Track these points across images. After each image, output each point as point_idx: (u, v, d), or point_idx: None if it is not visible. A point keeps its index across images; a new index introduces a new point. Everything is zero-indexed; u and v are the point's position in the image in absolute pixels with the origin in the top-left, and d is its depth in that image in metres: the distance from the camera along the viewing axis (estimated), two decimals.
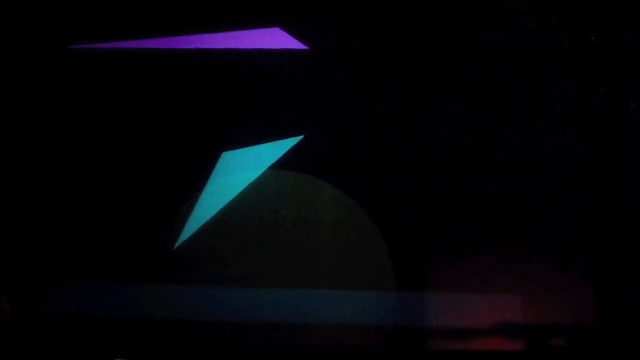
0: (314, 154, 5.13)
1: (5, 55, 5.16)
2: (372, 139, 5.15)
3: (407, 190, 5.12)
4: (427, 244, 5.09)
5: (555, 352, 4.93)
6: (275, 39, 5.14)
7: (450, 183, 5.13)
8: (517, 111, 5.15)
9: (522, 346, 4.94)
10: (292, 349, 4.98)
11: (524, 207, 5.10)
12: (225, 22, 5.17)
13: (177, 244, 5.07)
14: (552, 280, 5.01)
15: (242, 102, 5.17)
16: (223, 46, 5.15)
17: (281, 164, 5.13)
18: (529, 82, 5.17)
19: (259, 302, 5.02)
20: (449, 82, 5.17)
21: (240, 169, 5.12)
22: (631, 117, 5.06)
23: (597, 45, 5.07)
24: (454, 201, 5.12)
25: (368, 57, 5.17)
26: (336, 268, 5.06)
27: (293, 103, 5.17)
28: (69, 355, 4.91)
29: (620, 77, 5.06)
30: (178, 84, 5.16)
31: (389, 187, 5.11)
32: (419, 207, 5.12)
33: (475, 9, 5.21)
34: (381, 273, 5.06)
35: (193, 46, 5.13)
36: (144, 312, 5.00)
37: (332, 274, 5.05)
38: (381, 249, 5.07)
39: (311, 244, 5.07)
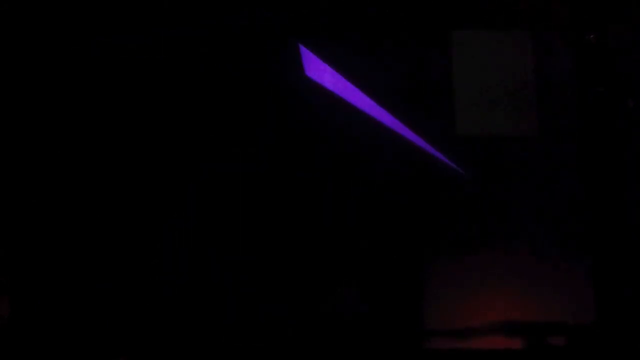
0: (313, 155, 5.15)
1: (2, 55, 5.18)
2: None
3: (407, 189, 5.13)
4: (427, 243, 5.10)
5: (554, 350, 4.93)
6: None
7: (451, 182, 5.14)
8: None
9: (522, 345, 4.94)
10: (291, 348, 4.98)
11: (523, 206, 5.11)
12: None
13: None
14: (551, 278, 5.02)
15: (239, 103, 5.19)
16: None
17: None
18: None
19: (257, 302, 5.03)
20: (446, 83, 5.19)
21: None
22: (630, 115, 5.06)
23: (595, 44, 5.08)
24: (454, 200, 5.13)
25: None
26: (336, 267, 5.06)
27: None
28: (68, 356, 4.92)
29: (619, 75, 5.07)
30: (174, 86, 5.18)
31: (391, 186, 5.12)
32: (419, 207, 5.13)
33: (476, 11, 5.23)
34: (380, 272, 5.06)
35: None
36: (144, 312, 5.00)
37: (332, 272, 5.06)
38: (380, 248, 5.08)
39: (310, 243, 5.08)
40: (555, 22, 5.18)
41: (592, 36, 5.04)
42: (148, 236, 5.07)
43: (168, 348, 4.96)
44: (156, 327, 4.97)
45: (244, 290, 5.01)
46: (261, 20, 5.04)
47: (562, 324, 4.94)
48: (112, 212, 5.09)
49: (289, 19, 5.07)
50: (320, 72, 5.10)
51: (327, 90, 5.10)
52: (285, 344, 4.96)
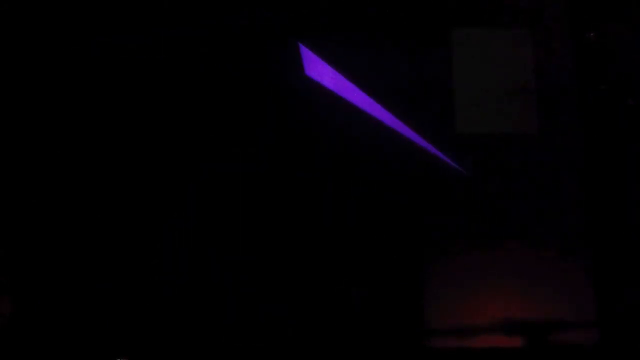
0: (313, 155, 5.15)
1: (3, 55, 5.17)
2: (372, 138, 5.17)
3: (408, 189, 5.13)
4: (427, 242, 5.10)
5: (554, 349, 4.93)
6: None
7: (451, 182, 5.14)
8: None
9: (522, 343, 4.95)
10: (292, 348, 4.99)
11: (523, 205, 5.11)
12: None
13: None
14: (551, 278, 5.02)
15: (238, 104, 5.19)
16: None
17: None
18: None
19: (257, 302, 5.03)
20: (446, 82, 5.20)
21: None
22: (630, 115, 5.07)
23: (595, 43, 5.08)
24: (454, 200, 5.13)
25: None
26: (335, 267, 5.07)
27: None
28: (68, 355, 4.92)
29: (619, 75, 5.07)
30: (174, 86, 5.17)
31: (391, 186, 5.12)
32: (420, 206, 5.13)
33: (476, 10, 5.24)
34: (380, 272, 5.07)
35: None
36: (144, 312, 5.01)
37: (332, 272, 5.06)
38: (380, 248, 5.08)
39: (310, 243, 5.08)
40: (555, 22, 5.19)
41: (592, 35, 5.05)
42: (148, 236, 5.06)
43: (168, 348, 4.96)
44: (156, 327, 4.98)
45: (244, 290, 5.02)
46: (261, 20, 5.04)
47: (562, 323, 4.95)
48: (112, 212, 5.09)
49: (289, 19, 5.07)
50: (321, 71, 5.10)
51: (327, 89, 5.09)
52: (285, 344, 4.96)
